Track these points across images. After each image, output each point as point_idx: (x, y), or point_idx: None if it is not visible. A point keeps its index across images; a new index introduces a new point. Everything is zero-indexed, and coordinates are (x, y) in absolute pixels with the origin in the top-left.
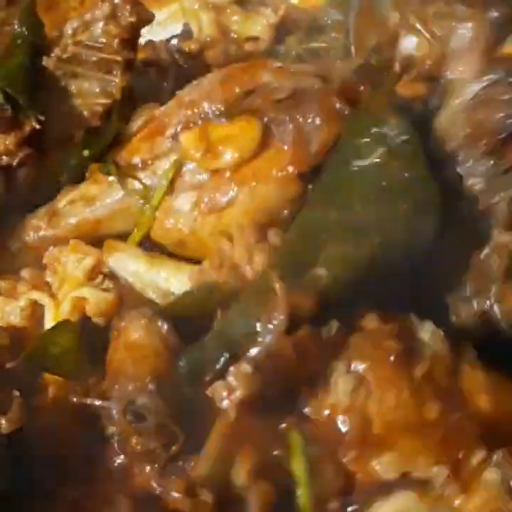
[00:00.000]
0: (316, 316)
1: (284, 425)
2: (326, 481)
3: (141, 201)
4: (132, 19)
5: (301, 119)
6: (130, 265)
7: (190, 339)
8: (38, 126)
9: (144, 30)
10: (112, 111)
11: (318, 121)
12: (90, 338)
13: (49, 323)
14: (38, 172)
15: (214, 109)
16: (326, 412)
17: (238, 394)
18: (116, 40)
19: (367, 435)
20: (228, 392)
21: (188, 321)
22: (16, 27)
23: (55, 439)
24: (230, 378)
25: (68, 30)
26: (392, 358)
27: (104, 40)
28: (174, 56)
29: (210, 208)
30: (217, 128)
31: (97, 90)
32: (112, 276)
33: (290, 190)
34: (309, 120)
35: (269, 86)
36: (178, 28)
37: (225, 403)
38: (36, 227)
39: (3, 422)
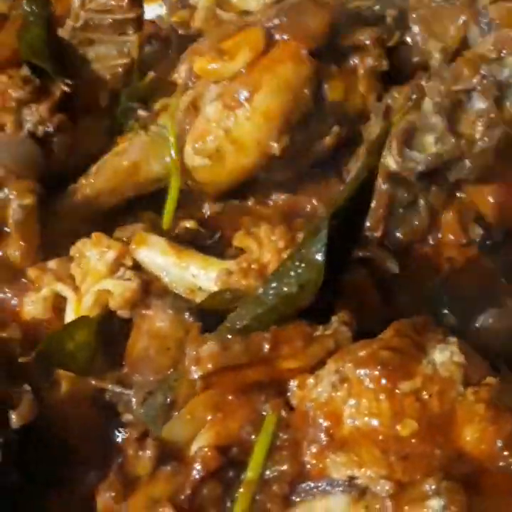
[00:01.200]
0: (325, 314)
1: (265, 406)
2: (280, 467)
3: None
4: None
5: (296, 15)
6: (159, 259)
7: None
8: (67, 89)
9: None
10: (131, 70)
11: (311, 10)
12: (112, 333)
13: (70, 316)
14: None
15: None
16: (306, 404)
17: (205, 367)
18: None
19: (334, 434)
20: (196, 364)
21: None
22: (24, 7)
23: (67, 432)
24: (202, 352)
25: (76, 1)
26: (379, 368)
27: (113, 2)
28: (173, 27)
29: (238, 100)
30: (224, 42)
31: (114, 52)
32: (135, 267)
33: (306, 67)
34: (303, 13)
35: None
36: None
37: (195, 374)
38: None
39: (14, 416)
